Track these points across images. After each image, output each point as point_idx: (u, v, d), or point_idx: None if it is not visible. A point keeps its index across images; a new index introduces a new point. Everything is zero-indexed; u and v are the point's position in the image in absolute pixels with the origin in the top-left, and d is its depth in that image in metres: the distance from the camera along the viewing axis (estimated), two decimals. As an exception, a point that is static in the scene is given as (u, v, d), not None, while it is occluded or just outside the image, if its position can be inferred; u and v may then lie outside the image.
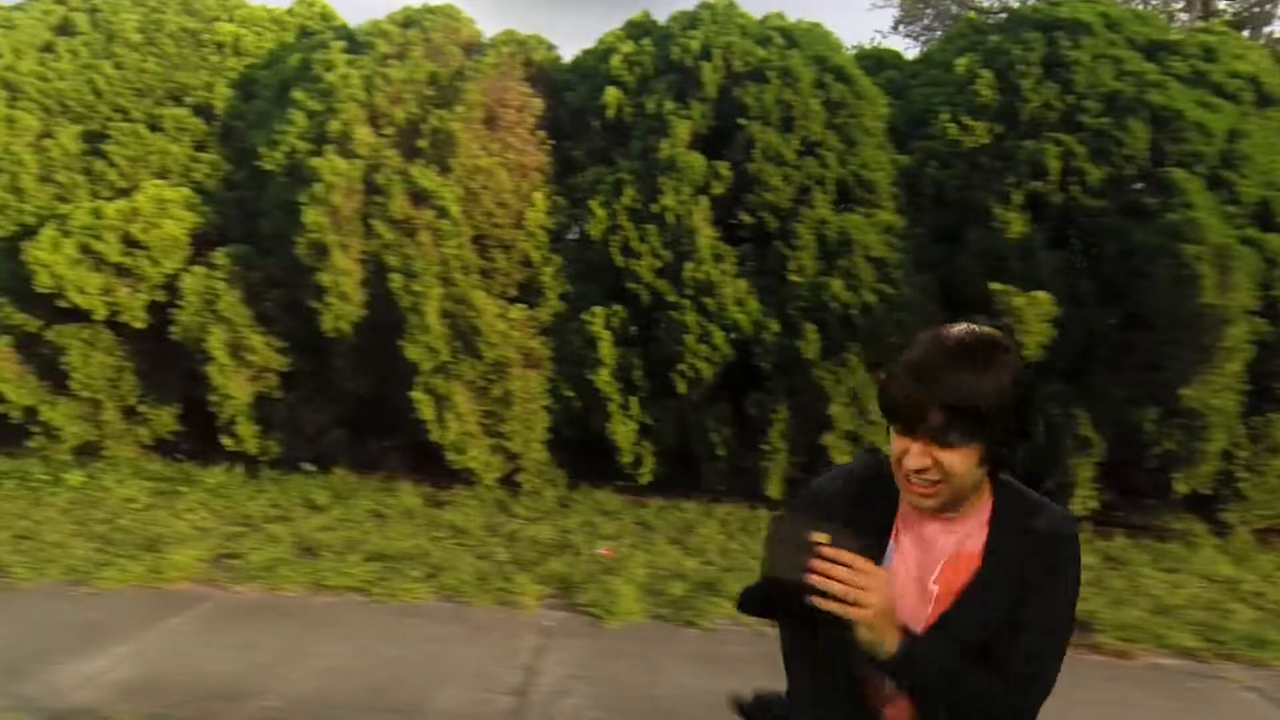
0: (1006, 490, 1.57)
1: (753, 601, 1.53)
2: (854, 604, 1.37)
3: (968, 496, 1.52)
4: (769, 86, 7.33)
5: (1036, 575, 1.50)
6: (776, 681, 1.71)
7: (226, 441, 7.77)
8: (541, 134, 7.92)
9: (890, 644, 1.41)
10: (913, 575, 1.54)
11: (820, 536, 1.36)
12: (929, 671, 1.45)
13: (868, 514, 1.56)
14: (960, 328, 1.50)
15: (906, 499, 1.53)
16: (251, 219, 8.02)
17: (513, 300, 7.58)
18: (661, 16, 8.22)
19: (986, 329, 1.50)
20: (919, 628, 1.49)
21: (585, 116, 7.92)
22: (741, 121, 7.35)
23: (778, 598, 1.41)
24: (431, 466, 7.58)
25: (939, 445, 1.44)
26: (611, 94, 7.67)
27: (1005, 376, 1.44)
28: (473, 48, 8.22)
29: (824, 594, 1.36)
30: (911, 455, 1.47)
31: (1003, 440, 1.47)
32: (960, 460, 1.45)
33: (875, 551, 1.44)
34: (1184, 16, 16.84)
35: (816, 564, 1.36)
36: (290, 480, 7.62)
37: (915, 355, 1.47)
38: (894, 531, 1.57)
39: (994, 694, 1.47)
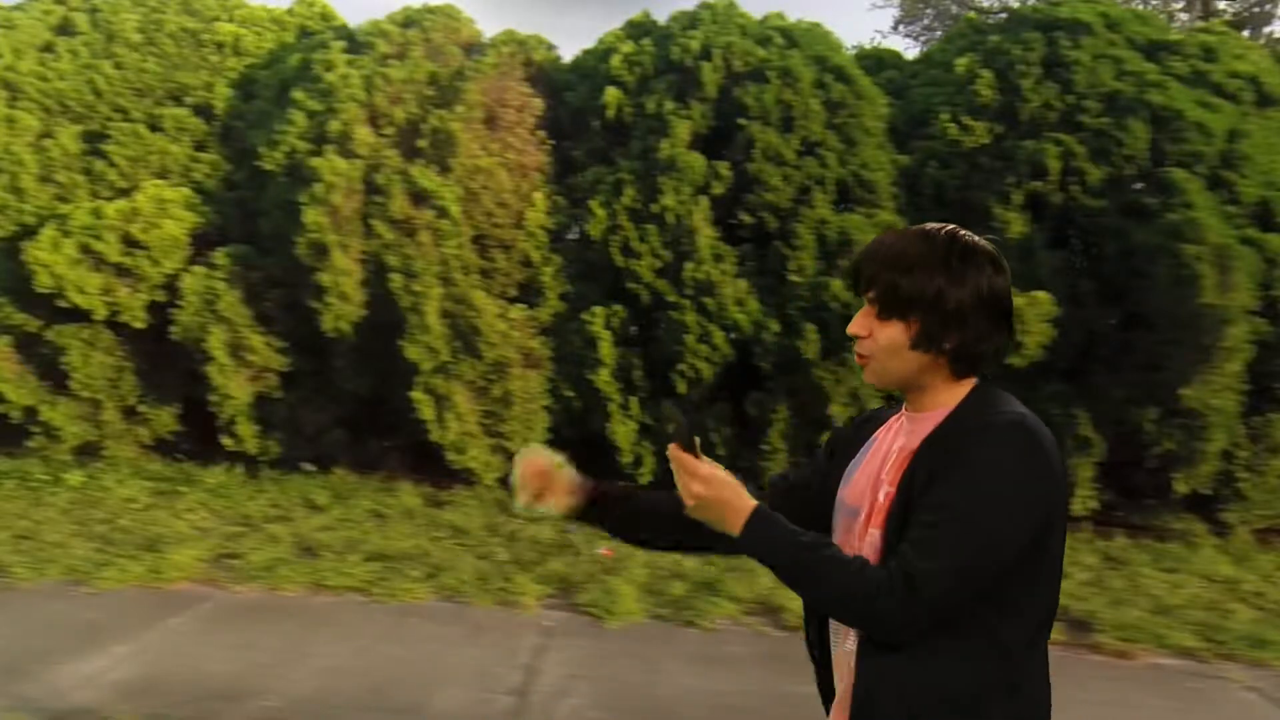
0: (977, 394, 1.51)
1: None
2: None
3: (900, 381, 1.54)
4: (769, 86, 7.33)
5: (940, 463, 1.42)
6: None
7: (226, 441, 7.77)
8: (541, 134, 7.92)
9: (732, 526, 1.48)
10: (872, 469, 1.57)
11: (670, 428, 1.58)
12: (767, 553, 1.48)
13: (867, 423, 1.68)
14: (942, 225, 1.55)
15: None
16: (251, 219, 8.02)
17: (513, 300, 7.58)
18: (661, 16, 8.23)
19: (966, 233, 1.52)
20: (865, 516, 1.53)
21: (585, 116, 7.92)
22: (741, 121, 7.35)
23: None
24: (431, 466, 7.58)
25: (877, 316, 1.51)
26: (611, 94, 7.67)
27: (943, 268, 1.47)
28: (473, 48, 8.22)
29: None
30: (855, 318, 1.55)
31: (935, 331, 1.47)
32: (886, 335, 1.50)
33: (687, 435, 1.52)
34: (1184, 16, 16.85)
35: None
36: (290, 480, 7.62)
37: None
38: (881, 429, 1.63)
39: (847, 586, 1.41)
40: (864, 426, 1.68)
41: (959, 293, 1.46)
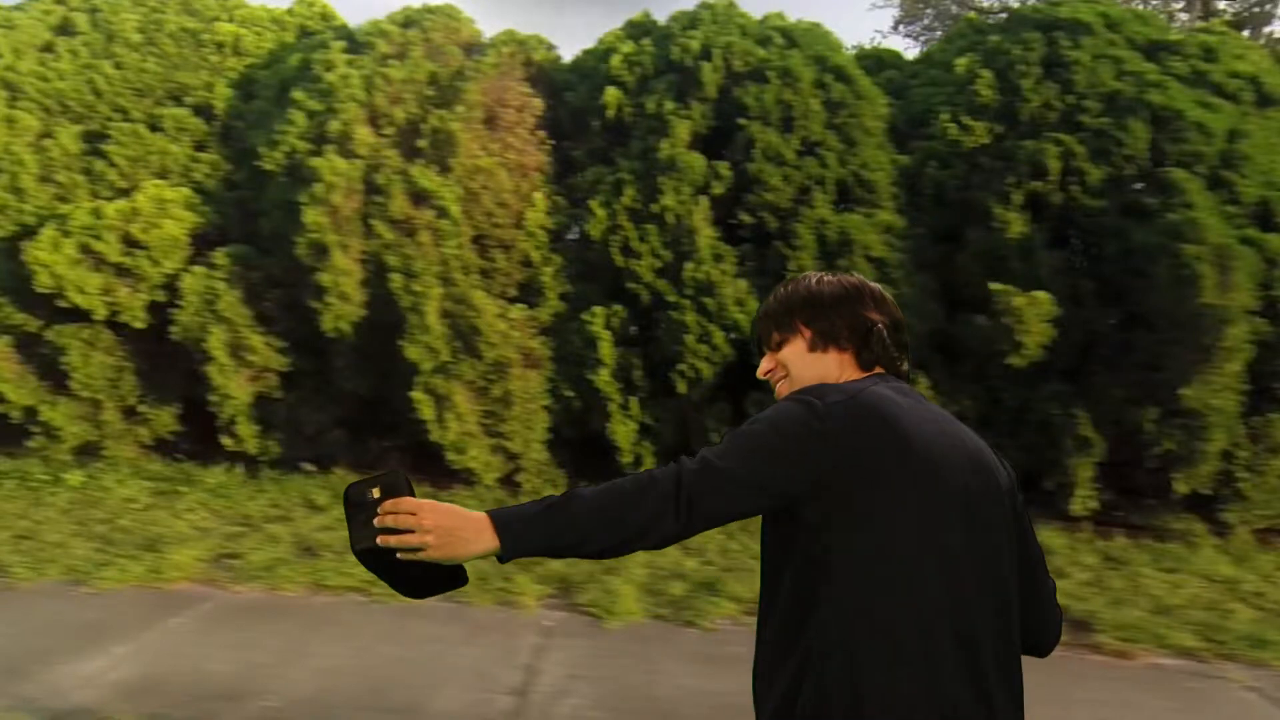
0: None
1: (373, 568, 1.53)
2: (419, 540, 1.41)
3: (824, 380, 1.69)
4: (769, 86, 7.33)
5: None
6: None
7: (226, 441, 7.77)
8: (541, 134, 7.92)
9: (485, 547, 1.43)
10: None
11: (375, 493, 1.42)
12: (538, 543, 1.45)
13: None
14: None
15: None
16: (251, 219, 8.02)
17: (513, 300, 7.58)
18: (661, 16, 8.24)
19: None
20: None
21: (585, 116, 7.92)
22: (741, 121, 7.35)
23: (383, 564, 1.43)
24: (431, 466, 7.58)
25: (772, 353, 1.76)
26: (611, 94, 7.67)
27: (798, 292, 1.74)
28: (473, 48, 8.22)
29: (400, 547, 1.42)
30: (759, 367, 1.78)
31: (822, 329, 1.69)
32: (786, 354, 1.73)
33: (403, 481, 1.46)
34: (1184, 16, 16.84)
35: (379, 522, 1.41)
36: (290, 480, 7.62)
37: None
38: None
39: (610, 514, 1.45)
40: None
41: (817, 290, 1.73)
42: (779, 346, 1.74)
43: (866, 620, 1.45)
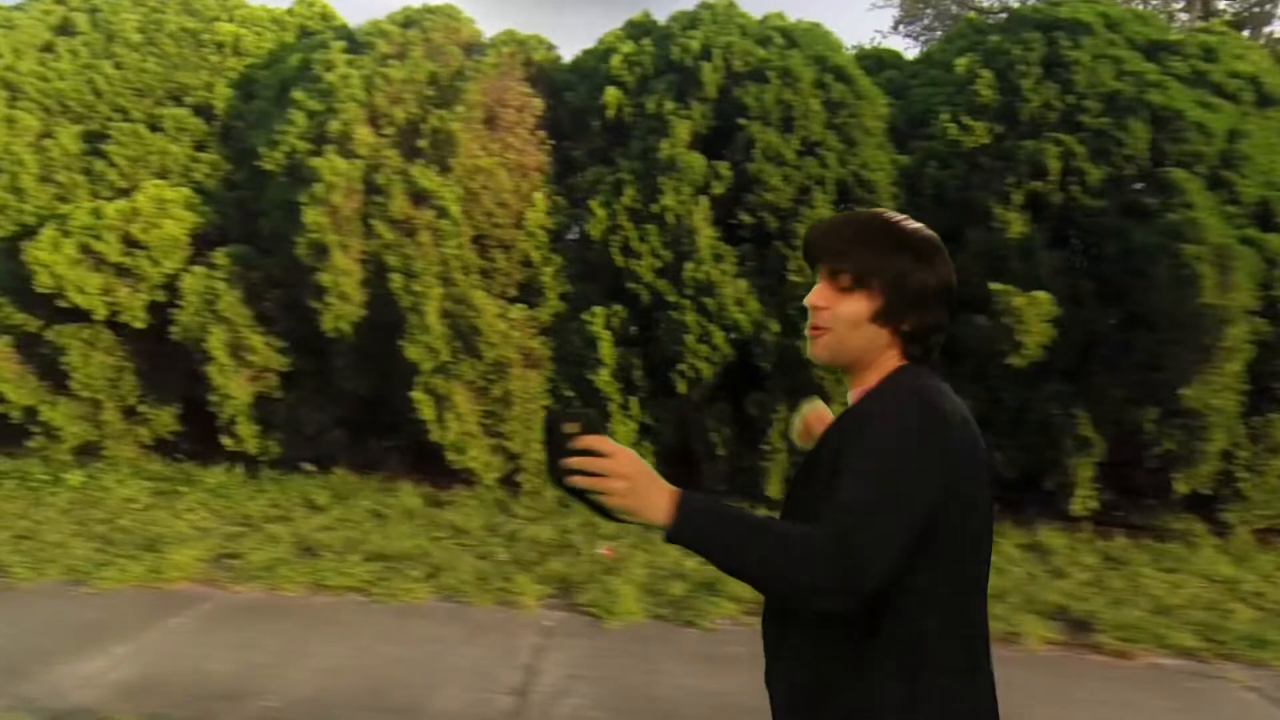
0: (900, 374, 1.52)
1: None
2: (605, 485, 1.34)
3: (853, 356, 1.53)
4: (769, 86, 7.33)
5: (845, 445, 1.44)
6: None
7: (226, 441, 7.77)
8: (541, 134, 7.92)
9: (656, 517, 1.34)
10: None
11: (571, 427, 1.38)
12: (699, 542, 1.35)
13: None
14: (892, 213, 1.59)
15: (807, 351, 1.58)
16: (251, 219, 8.02)
17: (513, 300, 7.58)
18: (661, 16, 8.24)
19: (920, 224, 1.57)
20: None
21: (585, 116, 7.92)
22: (741, 121, 7.35)
23: (576, 491, 1.40)
24: (431, 466, 7.58)
25: (835, 287, 1.52)
26: (611, 94, 7.67)
27: (911, 250, 1.51)
28: (473, 48, 8.23)
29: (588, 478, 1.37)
30: (813, 290, 1.55)
31: (898, 308, 1.49)
32: (850, 307, 1.51)
33: (598, 422, 1.39)
34: (1184, 16, 16.85)
35: (575, 463, 1.37)
36: (290, 480, 7.62)
37: None
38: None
39: (773, 563, 1.33)
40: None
41: (924, 276, 1.50)
42: (841, 290, 1.52)
43: (944, 623, 1.45)
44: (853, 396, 1.56)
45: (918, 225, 1.55)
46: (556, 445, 1.39)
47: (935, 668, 1.44)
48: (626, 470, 1.34)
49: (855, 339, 1.51)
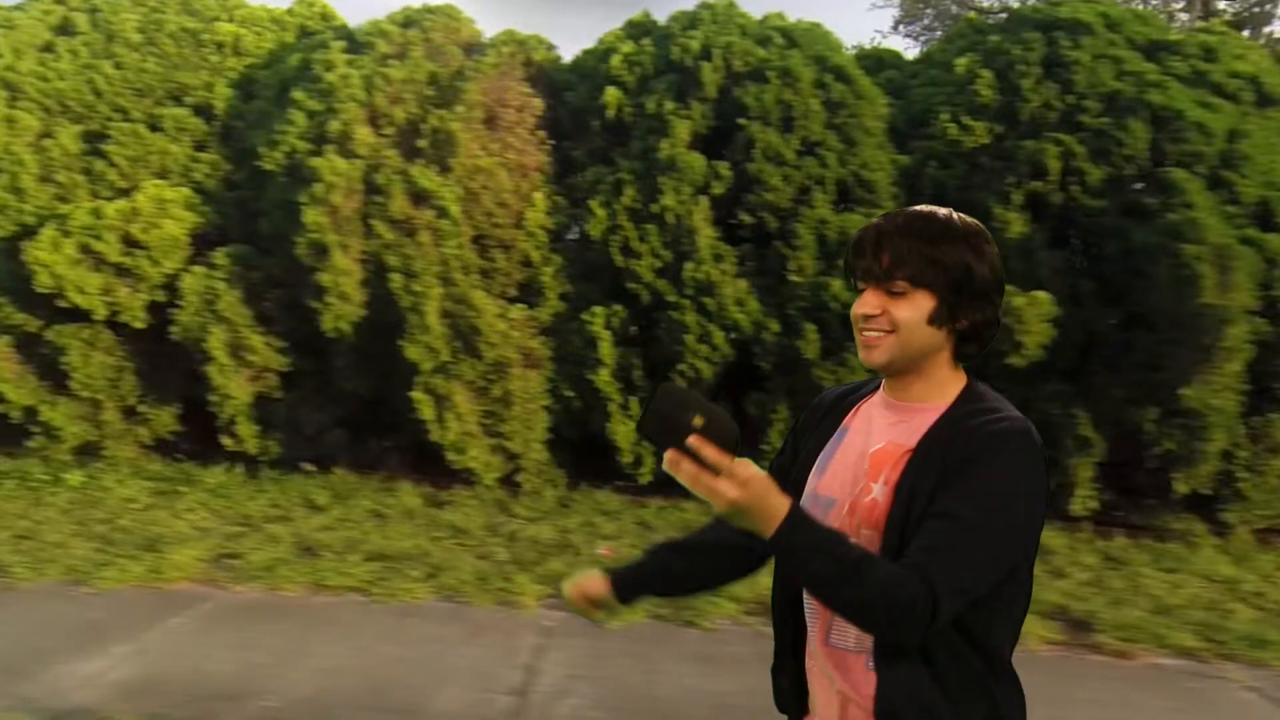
0: (970, 392, 1.51)
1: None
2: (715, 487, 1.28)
3: (913, 358, 1.49)
4: (769, 86, 7.33)
5: (954, 465, 1.39)
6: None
7: (226, 441, 7.77)
8: (541, 134, 7.92)
9: (764, 529, 1.30)
10: (849, 460, 1.53)
11: (697, 420, 1.30)
12: (801, 564, 1.33)
13: (831, 411, 1.65)
14: (936, 206, 1.54)
15: (861, 357, 1.52)
16: (251, 219, 8.02)
17: (513, 300, 7.58)
18: (661, 16, 8.24)
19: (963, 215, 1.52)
20: (844, 509, 1.48)
21: (585, 116, 7.92)
22: (741, 121, 7.35)
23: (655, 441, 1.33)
24: (431, 466, 7.58)
25: (888, 294, 1.47)
26: (611, 94, 7.67)
27: (965, 242, 1.47)
28: (473, 48, 8.22)
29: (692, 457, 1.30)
30: (862, 300, 1.49)
31: (956, 306, 1.46)
32: (909, 310, 1.46)
33: (728, 432, 1.30)
34: (1184, 16, 16.85)
35: (685, 444, 1.29)
36: (290, 480, 7.62)
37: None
38: (850, 416, 1.61)
39: (874, 591, 1.31)
40: (829, 414, 1.65)
41: (983, 269, 1.47)
42: (895, 294, 1.47)
43: (1013, 635, 1.50)
44: (903, 409, 1.52)
45: (963, 215, 1.51)
46: (673, 429, 1.30)
47: (1009, 680, 1.48)
48: (751, 475, 1.29)
49: (917, 341, 1.47)
